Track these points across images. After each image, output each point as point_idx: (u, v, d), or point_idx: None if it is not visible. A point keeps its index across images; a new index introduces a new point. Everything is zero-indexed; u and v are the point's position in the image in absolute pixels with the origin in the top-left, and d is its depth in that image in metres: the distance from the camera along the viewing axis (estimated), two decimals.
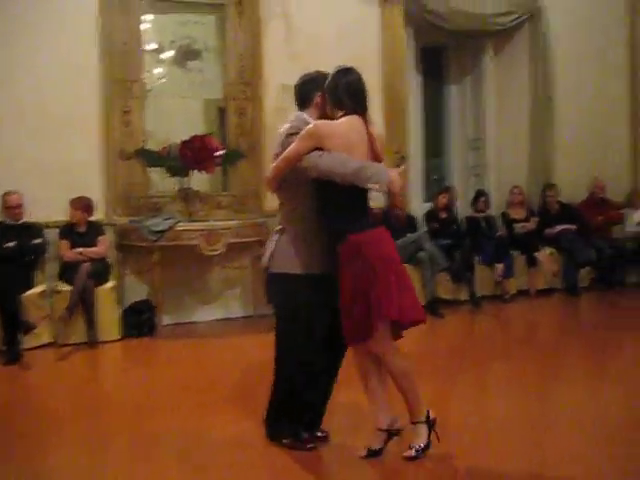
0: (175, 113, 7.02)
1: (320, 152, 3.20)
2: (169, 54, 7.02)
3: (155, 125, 6.86)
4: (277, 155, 3.38)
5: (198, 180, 6.75)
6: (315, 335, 3.40)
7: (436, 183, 9.04)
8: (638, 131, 9.50)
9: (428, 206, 8.26)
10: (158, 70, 7.05)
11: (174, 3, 6.92)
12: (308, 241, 3.37)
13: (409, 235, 7.47)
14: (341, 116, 3.32)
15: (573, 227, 8.38)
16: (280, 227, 3.48)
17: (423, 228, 7.82)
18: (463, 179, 9.07)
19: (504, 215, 8.45)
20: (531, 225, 8.34)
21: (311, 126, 3.26)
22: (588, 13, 9.05)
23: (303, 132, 3.25)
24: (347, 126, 3.29)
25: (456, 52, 9.16)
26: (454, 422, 3.83)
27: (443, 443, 3.36)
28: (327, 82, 3.40)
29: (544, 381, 4.82)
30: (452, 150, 9.25)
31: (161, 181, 6.89)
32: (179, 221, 6.37)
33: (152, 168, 6.76)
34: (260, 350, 6.07)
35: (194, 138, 6.40)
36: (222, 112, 7.17)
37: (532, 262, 8.12)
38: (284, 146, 3.33)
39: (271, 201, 7.17)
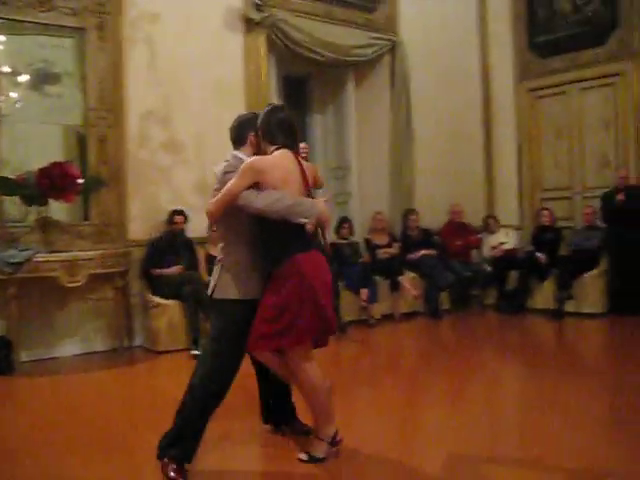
0: (32, 139, 6.71)
1: (255, 191, 3.42)
2: (25, 77, 6.71)
3: (10, 152, 6.54)
4: (217, 190, 3.55)
5: (57, 209, 6.49)
6: (239, 356, 3.61)
7: None
8: (491, 159, 10.05)
9: None
10: (14, 94, 6.72)
11: (31, 24, 6.62)
12: (247, 269, 3.58)
13: None
14: (273, 151, 3.55)
15: (433, 252, 8.71)
16: (220, 257, 3.69)
17: None
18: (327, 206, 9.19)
19: (367, 241, 8.66)
20: (393, 250, 8.59)
21: (247, 162, 3.46)
22: (443, 46, 9.52)
23: (241, 168, 3.44)
24: (281, 159, 3.52)
25: (319, 82, 9.34)
26: None
27: None
28: (260, 119, 3.64)
29: (408, 404, 4.94)
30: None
31: (17, 210, 6.56)
32: (37, 252, 6.09)
33: (7, 197, 6.43)
34: (124, 385, 5.93)
35: (52, 165, 6.15)
36: (82, 139, 6.94)
37: (395, 287, 8.35)
38: (222, 183, 3.53)
39: (135, 231, 7.09)
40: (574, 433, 4.12)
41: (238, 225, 3.59)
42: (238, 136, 3.75)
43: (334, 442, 3.67)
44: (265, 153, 3.60)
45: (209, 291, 3.69)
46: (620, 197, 8.15)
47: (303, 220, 3.42)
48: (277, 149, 3.56)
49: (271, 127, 3.59)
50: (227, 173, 3.55)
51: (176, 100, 7.37)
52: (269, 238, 3.52)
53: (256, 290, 3.57)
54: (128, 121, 7.08)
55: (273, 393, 4.09)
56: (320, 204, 3.53)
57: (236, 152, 3.69)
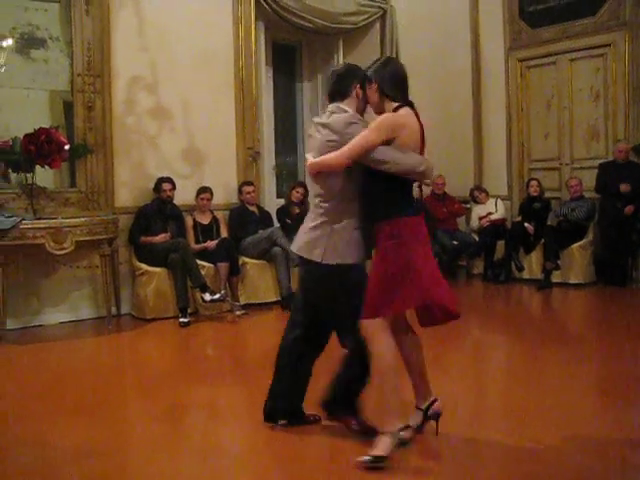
0: (18, 105, 6.61)
1: (394, 149, 3.25)
2: (9, 42, 6.59)
3: None
4: (335, 142, 3.31)
5: (43, 176, 6.42)
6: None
7: (288, 179, 9.12)
8: (481, 129, 10.02)
9: (280, 202, 8.32)
10: None
11: None
12: (358, 230, 3.38)
13: (261, 231, 7.50)
14: (397, 107, 3.35)
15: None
16: (323, 220, 3.38)
17: (276, 223, 7.87)
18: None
19: None
20: None
21: (386, 118, 3.29)
22: (434, 14, 9.45)
23: (377, 123, 3.26)
24: (410, 118, 3.35)
25: (308, 50, 9.27)
26: None
27: None
28: (376, 73, 3.40)
29: None
30: (305, 147, 9.35)
31: (3, 177, 6.49)
32: (23, 219, 6.03)
33: None
34: (111, 352, 5.95)
35: (39, 131, 6.08)
36: (69, 105, 6.85)
37: None
38: (343, 135, 3.30)
39: (122, 198, 7.05)
40: (559, 402, 4.16)
41: (352, 183, 3.36)
42: (341, 88, 3.47)
43: (401, 440, 3.28)
44: (380, 108, 3.40)
45: (317, 258, 3.37)
46: (625, 188, 8.11)
47: (428, 181, 3.31)
48: (399, 107, 3.35)
49: (390, 82, 3.37)
50: (352, 124, 3.32)
51: (164, 66, 7.29)
52: (381, 197, 3.30)
53: (366, 252, 3.43)
54: (115, 87, 7.00)
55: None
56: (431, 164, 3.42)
57: (339, 104, 3.45)
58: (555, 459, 3.28)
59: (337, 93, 3.48)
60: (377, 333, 3.24)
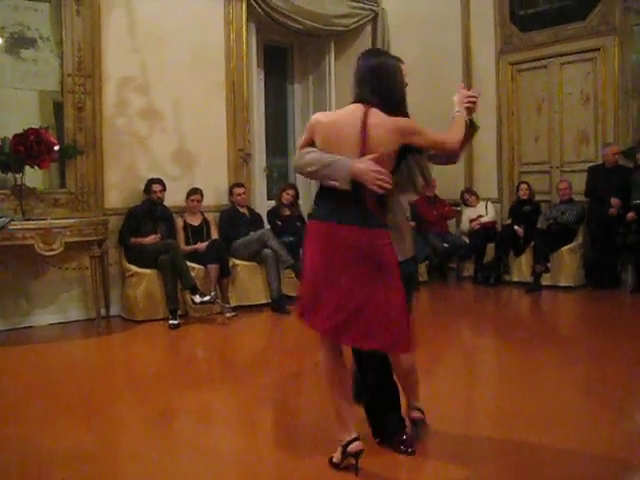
0: (7, 105, 6.58)
1: (307, 149, 3.12)
2: None
3: None
4: None
5: (33, 176, 6.39)
6: None
7: (279, 181, 9.12)
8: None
9: (271, 204, 8.31)
10: None
11: None
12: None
13: (252, 233, 7.49)
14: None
15: (412, 223, 8.72)
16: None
17: (267, 225, 7.87)
18: (305, 178, 9.16)
19: None
20: None
21: (312, 117, 3.18)
22: (425, 17, 9.47)
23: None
24: (336, 116, 3.15)
25: (300, 51, 9.27)
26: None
27: None
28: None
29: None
30: (295, 149, 9.33)
31: None
32: (12, 219, 5.99)
33: None
34: (100, 354, 5.92)
35: (28, 132, 6.05)
36: (59, 105, 6.82)
37: None
38: None
39: (112, 199, 7.03)
40: (548, 403, 4.17)
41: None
42: None
43: (346, 452, 3.08)
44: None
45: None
46: (615, 203, 8.13)
47: (332, 183, 3.03)
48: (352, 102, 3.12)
49: (357, 77, 3.18)
50: None
51: (155, 67, 7.27)
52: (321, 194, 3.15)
53: None
54: (106, 88, 6.97)
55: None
56: (359, 164, 2.94)
57: None
58: (543, 454, 3.29)
59: None
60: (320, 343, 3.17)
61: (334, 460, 3.15)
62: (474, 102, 3.23)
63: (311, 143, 3.13)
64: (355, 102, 3.10)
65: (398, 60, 3.33)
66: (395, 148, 3.04)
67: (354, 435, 3.06)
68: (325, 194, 3.08)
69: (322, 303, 3.00)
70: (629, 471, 3.23)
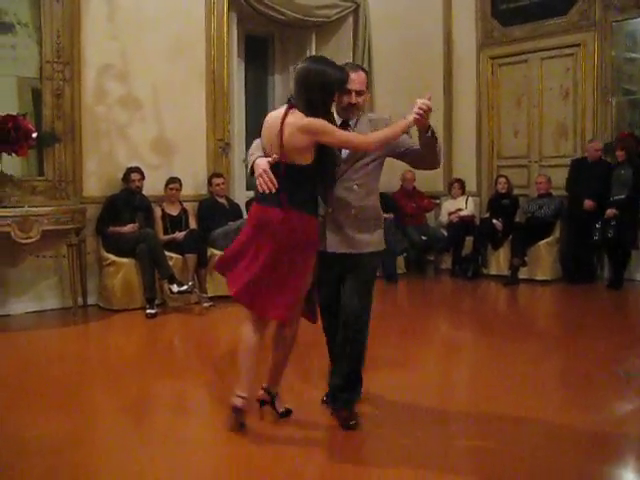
0: None
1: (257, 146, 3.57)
2: None
3: None
4: None
5: (10, 164, 6.33)
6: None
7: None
8: (451, 126, 10.09)
9: (250, 194, 8.30)
10: None
11: None
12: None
13: (231, 223, 7.47)
14: None
15: (391, 216, 8.74)
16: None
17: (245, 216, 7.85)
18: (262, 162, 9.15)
19: None
20: None
21: None
22: (406, 10, 9.47)
23: None
24: (272, 116, 3.50)
25: (281, 42, 9.24)
26: None
27: None
28: None
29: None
30: None
31: None
32: None
33: None
34: (77, 343, 5.89)
35: (5, 118, 6.00)
36: (37, 92, 6.75)
37: None
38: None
39: (90, 187, 6.98)
40: (523, 396, 4.21)
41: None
42: None
43: (233, 408, 3.55)
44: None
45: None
46: (589, 204, 8.21)
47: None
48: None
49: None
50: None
51: (135, 55, 7.21)
52: None
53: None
54: (85, 75, 6.91)
55: None
56: (258, 161, 3.42)
57: None
58: (514, 438, 3.34)
59: None
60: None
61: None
62: (421, 114, 3.34)
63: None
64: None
65: (342, 70, 3.51)
66: (305, 145, 3.35)
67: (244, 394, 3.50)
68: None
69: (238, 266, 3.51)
70: (593, 461, 3.28)
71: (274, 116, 3.46)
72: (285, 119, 3.36)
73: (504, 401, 4.10)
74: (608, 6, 8.62)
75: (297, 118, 3.36)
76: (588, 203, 8.17)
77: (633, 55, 8.86)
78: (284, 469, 3.20)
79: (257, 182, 3.37)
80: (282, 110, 3.42)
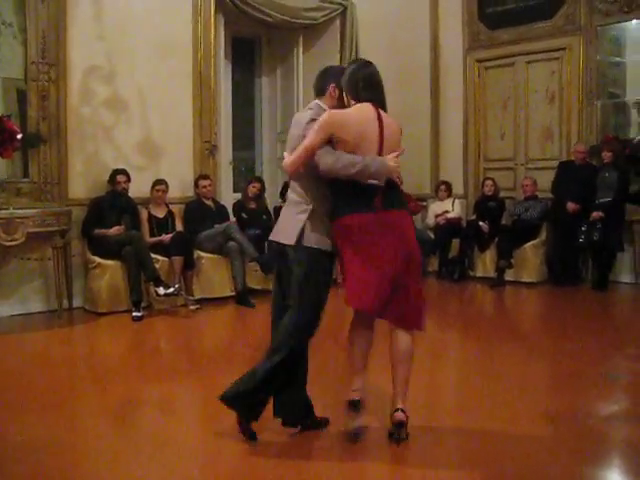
0: None
1: (330, 151, 3.34)
2: None
3: None
4: (302, 137, 3.41)
5: None
6: (322, 308, 3.53)
7: (245, 173, 9.10)
8: (438, 128, 10.12)
9: (237, 196, 8.30)
10: None
11: None
12: (327, 220, 3.48)
13: (217, 225, 7.46)
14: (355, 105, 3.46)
15: None
16: (307, 205, 3.46)
17: (232, 218, 7.84)
18: (272, 170, 9.18)
19: None
20: None
21: (325, 116, 3.37)
22: (394, 12, 9.48)
23: (317, 123, 3.35)
24: (358, 113, 3.41)
25: (268, 44, 9.24)
26: None
27: None
28: (345, 73, 3.54)
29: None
30: (262, 142, 9.36)
31: None
32: None
33: None
34: (63, 346, 5.86)
35: None
36: (22, 93, 6.71)
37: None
38: (305, 129, 3.43)
39: (76, 189, 6.94)
40: (509, 397, 4.22)
41: (319, 176, 3.51)
42: (320, 85, 3.65)
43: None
44: (348, 106, 3.52)
45: (288, 239, 3.47)
46: (572, 207, 8.25)
47: (372, 181, 3.36)
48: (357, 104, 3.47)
49: (356, 82, 3.48)
50: (311, 121, 3.43)
51: (121, 56, 7.19)
52: (337, 192, 3.43)
53: (332, 242, 3.50)
54: (70, 76, 6.87)
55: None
56: (391, 161, 3.38)
57: (318, 101, 3.60)
58: (501, 440, 3.35)
59: (316, 89, 3.66)
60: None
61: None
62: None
63: (327, 142, 3.35)
64: (358, 102, 3.45)
65: None
66: (397, 145, 3.50)
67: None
68: (344, 190, 3.38)
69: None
70: (581, 462, 3.29)
71: (364, 117, 3.40)
72: (382, 120, 3.41)
73: (491, 402, 4.11)
74: (593, 11, 8.67)
75: (391, 120, 3.49)
76: (571, 206, 8.22)
77: (618, 59, 8.95)
78: (273, 471, 3.19)
79: (396, 179, 3.48)
80: (367, 110, 3.41)
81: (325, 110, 3.46)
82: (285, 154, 3.54)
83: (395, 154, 3.40)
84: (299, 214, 3.48)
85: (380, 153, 3.39)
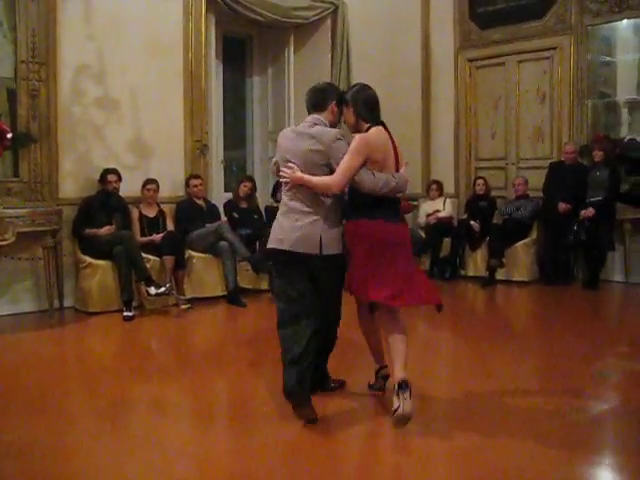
0: None
1: (369, 172, 3.69)
2: None
3: None
4: (321, 153, 3.72)
5: None
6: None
7: (236, 173, 9.09)
8: (429, 127, 10.13)
9: (228, 196, 8.28)
10: None
11: None
12: (335, 225, 3.82)
13: (208, 225, 7.44)
14: (368, 128, 3.80)
15: None
16: (313, 216, 3.75)
17: (223, 217, 7.82)
18: (263, 170, 9.16)
19: None
20: None
21: (361, 140, 3.70)
22: (385, 12, 9.48)
23: (356, 145, 3.67)
24: (379, 135, 3.81)
25: (259, 43, 9.23)
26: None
27: None
28: (351, 97, 3.89)
29: (340, 368, 4.99)
30: (253, 141, 9.34)
31: None
32: None
33: None
34: (53, 346, 5.84)
35: None
36: (12, 92, 6.68)
37: None
38: (332, 148, 3.71)
39: (66, 189, 6.92)
40: (501, 395, 4.23)
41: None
42: (320, 101, 3.90)
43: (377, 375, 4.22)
44: (356, 127, 3.87)
45: (312, 249, 3.73)
46: (564, 207, 8.28)
47: (399, 195, 3.85)
48: (370, 127, 3.80)
49: (364, 106, 3.84)
50: (338, 140, 3.73)
51: (112, 56, 7.16)
52: (361, 200, 3.77)
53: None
54: (61, 75, 6.84)
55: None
56: (406, 177, 3.84)
57: (317, 116, 3.85)
58: (493, 438, 3.36)
59: (317, 105, 3.90)
60: None
61: (370, 382, 4.19)
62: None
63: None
64: (371, 125, 3.81)
65: None
66: None
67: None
68: (367, 200, 3.75)
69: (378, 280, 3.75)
70: (571, 460, 3.30)
71: (384, 139, 3.81)
72: (393, 139, 3.86)
73: (482, 400, 4.13)
74: (584, 10, 8.70)
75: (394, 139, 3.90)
76: (562, 206, 8.24)
77: (608, 59, 8.98)
78: (264, 470, 3.19)
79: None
80: (382, 132, 3.82)
81: (328, 125, 3.82)
82: (291, 164, 3.75)
83: (404, 168, 3.87)
84: (313, 224, 3.74)
85: (397, 169, 3.83)
